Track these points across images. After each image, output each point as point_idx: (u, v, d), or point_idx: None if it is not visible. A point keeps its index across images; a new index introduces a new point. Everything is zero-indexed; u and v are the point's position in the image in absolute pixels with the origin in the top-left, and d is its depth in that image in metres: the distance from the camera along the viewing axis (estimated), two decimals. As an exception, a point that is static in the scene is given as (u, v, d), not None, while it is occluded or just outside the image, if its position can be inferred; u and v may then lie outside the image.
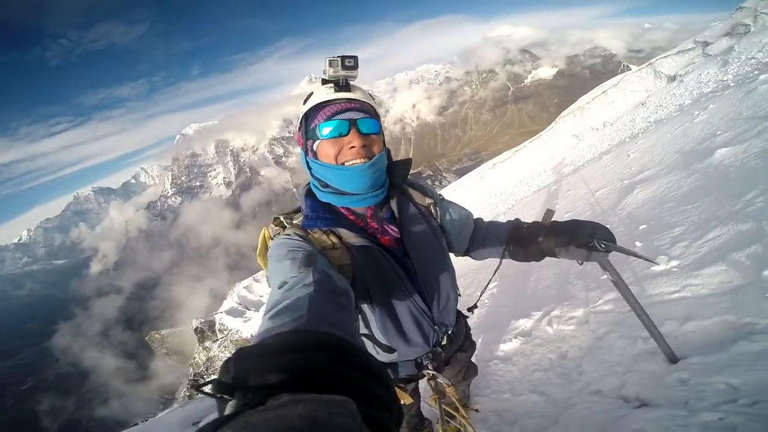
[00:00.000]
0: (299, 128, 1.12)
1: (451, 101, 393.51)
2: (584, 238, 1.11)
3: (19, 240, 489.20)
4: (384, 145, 1.10)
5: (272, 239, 1.12)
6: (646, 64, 18.36)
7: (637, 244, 2.81)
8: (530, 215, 6.76)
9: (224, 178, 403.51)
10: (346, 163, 1.01)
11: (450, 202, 1.34)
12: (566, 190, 7.21)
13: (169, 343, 77.20)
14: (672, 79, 15.19)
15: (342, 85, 1.05)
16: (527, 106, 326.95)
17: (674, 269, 2.26)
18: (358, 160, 1.01)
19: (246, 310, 49.32)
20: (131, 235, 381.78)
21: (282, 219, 1.15)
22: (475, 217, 1.39)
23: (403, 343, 1.23)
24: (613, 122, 14.00)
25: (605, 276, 1.49)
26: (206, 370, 49.86)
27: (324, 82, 1.07)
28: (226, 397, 0.37)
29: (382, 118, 1.15)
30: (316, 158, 1.06)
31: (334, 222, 1.06)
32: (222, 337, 49.92)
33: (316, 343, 0.40)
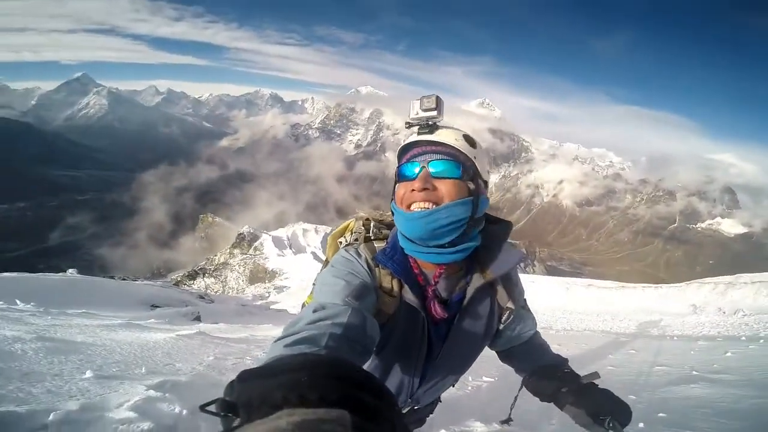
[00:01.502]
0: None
1: (602, 200, 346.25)
2: (603, 412, 1.02)
3: (199, 97, 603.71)
4: (472, 194, 0.95)
5: (351, 236, 1.11)
6: None
7: (640, 425, 2.68)
8: (577, 350, 6.37)
9: (359, 140, 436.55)
10: (410, 207, 0.95)
11: (527, 313, 1.21)
12: (632, 349, 6.46)
13: (212, 230, 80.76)
14: None
15: (423, 126, 0.98)
16: (676, 251, 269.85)
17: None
18: (418, 205, 0.93)
19: (288, 247, 51.42)
20: (266, 137, 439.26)
21: (372, 226, 1.11)
22: (534, 332, 1.27)
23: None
24: (749, 314, 11.36)
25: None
26: (213, 270, 50.85)
27: (408, 125, 1.01)
28: (230, 416, 0.38)
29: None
30: (394, 201, 1.02)
31: (401, 272, 0.99)
32: (250, 255, 51.61)
33: (318, 363, 0.40)
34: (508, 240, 1.07)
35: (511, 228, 1.11)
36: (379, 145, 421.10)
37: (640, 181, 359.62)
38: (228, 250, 55.73)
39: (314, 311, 0.80)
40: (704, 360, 5.02)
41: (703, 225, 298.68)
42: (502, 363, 1.31)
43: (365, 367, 1.07)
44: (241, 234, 57.03)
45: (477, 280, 1.01)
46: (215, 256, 57.04)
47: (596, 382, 1.11)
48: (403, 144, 1.04)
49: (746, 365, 4.53)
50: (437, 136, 0.96)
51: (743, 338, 7.53)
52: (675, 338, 8.08)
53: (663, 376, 4.33)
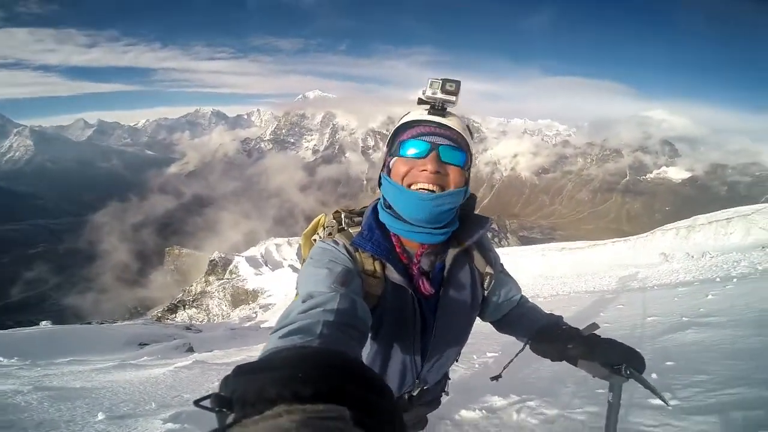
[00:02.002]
0: (387, 144, 1.08)
1: (556, 166, 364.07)
2: (616, 360, 1.04)
3: (135, 124, 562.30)
4: (467, 183, 1.00)
5: (323, 230, 1.11)
6: (809, 204, 15.31)
7: (653, 375, 2.68)
8: (567, 312, 6.48)
9: (315, 145, 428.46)
10: (412, 186, 0.94)
11: (506, 277, 1.26)
12: (619, 304, 6.75)
13: (181, 261, 78.40)
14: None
15: (437, 108, 0.98)
16: (634, 203, 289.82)
17: (668, 407, 2.11)
18: (425, 186, 0.93)
19: (264, 264, 50.40)
20: (216, 157, 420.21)
21: (343, 217, 1.11)
22: (520, 296, 1.30)
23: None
24: (715, 255, 12.33)
25: (600, 390, 1.36)
26: (192, 301, 49.89)
27: (420, 102, 1.00)
28: (225, 411, 0.38)
29: (475, 155, 1.06)
30: (389, 175, 1.01)
31: (382, 252, 0.99)
32: (227, 279, 50.00)
33: (315, 357, 0.40)
34: (476, 212, 1.13)
35: (476, 200, 1.14)
36: (336, 147, 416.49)
37: (587, 144, 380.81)
38: (203, 279, 54.17)
39: (303, 301, 0.80)
40: (690, 305, 5.33)
41: (652, 175, 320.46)
42: (502, 337, 1.32)
43: (364, 354, 1.10)
44: (212, 260, 55.42)
45: (453, 250, 1.04)
46: (191, 286, 55.15)
47: (596, 333, 1.12)
48: (407, 118, 1.02)
49: (730, 305, 4.86)
50: (449, 121, 0.97)
51: (717, 279, 8.14)
52: (655, 288, 8.60)
53: (656, 326, 4.52)
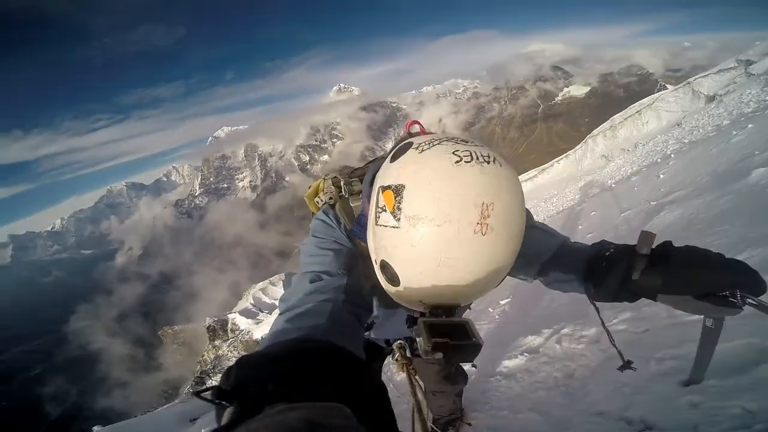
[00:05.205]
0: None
1: (479, 117, 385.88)
2: (718, 287, 0.76)
3: (52, 228, 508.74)
4: None
5: (324, 195, 1.12)
6: (684, 83, 17.88)
7: None
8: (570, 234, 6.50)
9: (251, 181, 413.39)
10: None
11: (533, 230, 1.03)
12: (591, 210, 7.00)
13: (180, 338, 78.36)
14: (711, 99, 14.64)
15: None
16: (557, 124, 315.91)
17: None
18: None
19: (259, 312, 50.35)
20: (158, 231, 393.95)
21: (342, 184, 1.09)
22: (558, 241, 1.09)
23: (383, 332, 1.27)
24: (645, 143, 13.52)
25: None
26: (213, 368, 50.54)
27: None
28: (225, 403, 0.38)
29: (400, 134, 1.01)
30: None
31: None
32: (233, 337, 50.26)
33: (319, 355, 0.40)
34: None
35: None
36: (273, 175, 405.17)
37: (494, 90, 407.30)
38: (210, 346, 54.33)
39: (311, 282, 0.81)
40: (650, 190, 5.70)
41: (559, 98, 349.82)
42: (509, 281, 1.04)
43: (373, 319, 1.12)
44: (209, 327, 55.34)
45: None
46: (202, 357, 55.03)
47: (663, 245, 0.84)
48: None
49: (683, 178, 5.23)
50: None
51: (658, 160, 8.81)
52: (613, 186, 9.04)
53: (632, 218, 4.66)
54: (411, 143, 0.80)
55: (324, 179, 1.16)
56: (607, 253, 0.90)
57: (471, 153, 0.71)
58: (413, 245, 0.71)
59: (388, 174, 0.78)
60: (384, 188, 0.77)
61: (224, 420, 0.38)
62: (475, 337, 0.72)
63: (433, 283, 0.73)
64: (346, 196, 1.08)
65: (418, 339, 0.73)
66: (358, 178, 1.11)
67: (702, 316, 0.86)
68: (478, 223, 0.68)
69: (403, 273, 0.76)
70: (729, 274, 0.76)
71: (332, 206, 1.08)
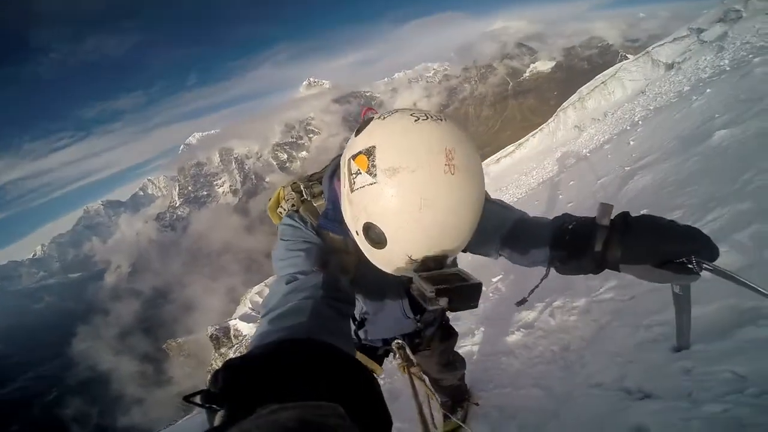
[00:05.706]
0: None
1: (452, 98, 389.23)
2: (674, 254, 0.79)
3: (33, 255, 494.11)
4: None
5: (286, 203, 1.13)
6: (643, 53, 18.56)
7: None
8: (535, 207, 6.75)
9: (230, 186, 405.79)
10: None
11: (490, 205, 1.06)
12: (569, 180, 7.21)
13: (186, 350, 78.80)
14: (670, 66, 15.23)
15: None
16: (528, 100, 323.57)
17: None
18: None
19: (259, 315, 51.27)
20: (143, 247, 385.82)
21: (302, 188, 1.11)
22: (515, 215, 1.14)
23: (376, 330, 1.31)
24: (613, 112, 13.98)
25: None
26: None
27: None
28: (215, 407, 0.38)
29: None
30: None
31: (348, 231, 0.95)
32: (237, 343, 50.18)
33: (306, 353, 0.40)
34: None
35: None
36: (253, 177, 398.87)
37: (463, 71, 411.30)
38: (216, 355, 54.73)
39: (287, 283, 0.83)
40: (622, 156, 5.89)
41: (527, 74, 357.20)
42: (498, 260, 1.19)
43: (356, 312, 1.17)
44: (212, 335, 55.91)
45: None
46: (211, 366, 55.18)
47: (620, 215, 0.88)
48: None
49: (651, 143, 5.46)
50: None
51: (628, 128, 9.11)
52: (588, 155, 9.33)
53: (609, 185, 4.83)
54: (372, 117, 0.86)
55: (283, 188, 1.17)
56: (569, 226, 0.93)
57: (426, 114, 0.80)
58: (393, 195, 0.75)
59: (356, 144, 0.82)
60: (355, 156, 0.80)
61: (216, 422, 0.37)
62: (473, 279, 0.75)
63: (418, 229, 0.76)
64: (309, 198, 1.09)
65: (417, 295, 0.77)
66: (317, 181, 1.12)
67: (670, 284, 0.89)
68: (446, 164, 0.74)
69: (388, 227, 0.78)
70: (685, 242, 0.79)
71: (296, 211, 1.09)
